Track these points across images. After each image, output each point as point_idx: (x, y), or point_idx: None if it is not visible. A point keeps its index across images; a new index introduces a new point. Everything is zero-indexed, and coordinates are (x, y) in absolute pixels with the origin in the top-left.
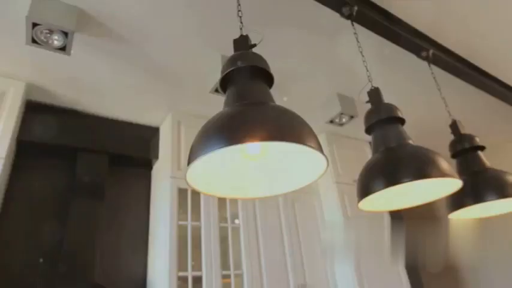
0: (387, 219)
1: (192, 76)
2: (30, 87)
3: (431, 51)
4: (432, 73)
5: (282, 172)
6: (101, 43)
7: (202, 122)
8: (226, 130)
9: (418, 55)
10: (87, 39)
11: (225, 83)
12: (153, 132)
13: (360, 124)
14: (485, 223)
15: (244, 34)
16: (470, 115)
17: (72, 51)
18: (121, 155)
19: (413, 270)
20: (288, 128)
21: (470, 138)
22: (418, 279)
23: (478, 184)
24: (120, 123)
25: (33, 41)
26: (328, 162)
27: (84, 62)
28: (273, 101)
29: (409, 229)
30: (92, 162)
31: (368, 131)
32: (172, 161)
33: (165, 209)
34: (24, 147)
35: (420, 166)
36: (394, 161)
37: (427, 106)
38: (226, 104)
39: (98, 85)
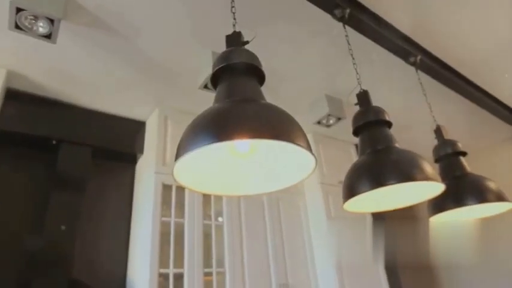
0: (369, 220)
1: (181, 71)
2: (11, 75)
3: (419, 57)
4: (419, 78)
5: (271, 170)
6: (89, 33)
7: (190, 118)
8: (216, 126)
9: (406, 60)
10: (75, 28)
11: (216, 79)
12: (138, 127)
13: (346, 126)
14: (461, 224)
15: (237, 31)
16: (453, 121)
17: (58, 40)
18: (105, 148)
19: (392, 269)
20: (278, 126)
21: (453, 143)
22: (396, 278)
23: (459, 189)
24: (105, 116)
25: (17, 26)
26: (316, 162)
27: (70, 51)
28: (263, 98)
29: (389, 229)
30: (74, 154)
31: (355, 132)
32: (158, 156)
33: (148, 205)
34: (3, 137)
35: (405, 169)
36: (380, 164)
37: (413, 110)
38: (217, 100)
39: (83, 76)
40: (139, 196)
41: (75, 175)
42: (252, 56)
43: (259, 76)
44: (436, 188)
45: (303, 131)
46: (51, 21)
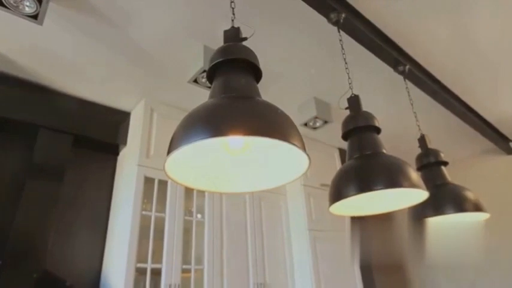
0: (348, 222)
1: (171, 64)
2: None
3: (407, 67)
4: (407, 87)
5: (263, 169)
6: (78, 17)
7: (177, 112)
8: (210, 122)
9: (395, 69)
10: (63, 11)
11: (212, 73)
12: (123, 117)
13: (332, 130)
14: (434, 227)
15: (236, 26)
16: (435, 131)
17: (44, 22)
18: (86, 136)
19: (367, 269)
20: (273, 124)
21: (436, 153)
22: (370, 278)
23: (439, 197)
24: (88, 103)
25: (1, 4)
26: (310, 162)
27: (57, 34)
28: (260, 96)
29: (365, 230)
30: (53, 141)
31: (345, 136)
32: (141, 148)
33: (128, 197)
34: None
35: (392, 176)
36: (368, 169)
37: (399, 118)
38: (212, 95)
39: (68, 61)
40: (120, 188)
41: (53, 163)
42: (250, 52)
43: (256, 73)
44: (420, 195)
45: (298, 131)
46: (39, 1)
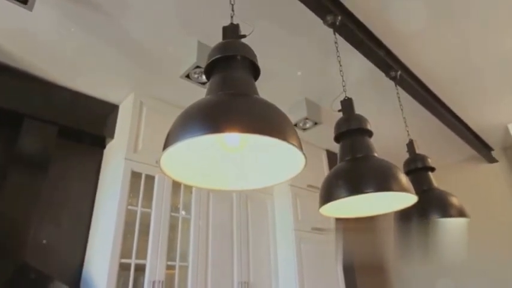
0: (333, 223)
1: (163, 58)
2: None
3: (399, 73)
4: (397, 93)
5: (259, 167)
6: (70, 4)
7: (167, 107)
8: (207, 118)
9: (387, 74)
10: None
11: (210, 70)
12: (111, 110)
13: (321, 131)
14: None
15: (235, 23)
16: (423, 136)
17: (35, 7)
18: (72, 128)
19: (349, 270)
20: (271, 122)
21: (423, 158)
22: (352, 278)
23: (425, 202)
24: (76, 94)
25: None
26: (306, 162)
27: (46, 21)
28: (257, 94)
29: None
30: (38, 131)
31: (337, 138)
32: (129, 142)
33: (114, 191)
34: None
35: (383, 179)
36: (359, 171)
37: (389, 123)
38: (210, 91)
39: (57, 49)
40: (106, 181)
41: (37, 153)
42: (249, 49)
43: (254, 71)
44: (409, 199)
45: (295, 130)
46: None
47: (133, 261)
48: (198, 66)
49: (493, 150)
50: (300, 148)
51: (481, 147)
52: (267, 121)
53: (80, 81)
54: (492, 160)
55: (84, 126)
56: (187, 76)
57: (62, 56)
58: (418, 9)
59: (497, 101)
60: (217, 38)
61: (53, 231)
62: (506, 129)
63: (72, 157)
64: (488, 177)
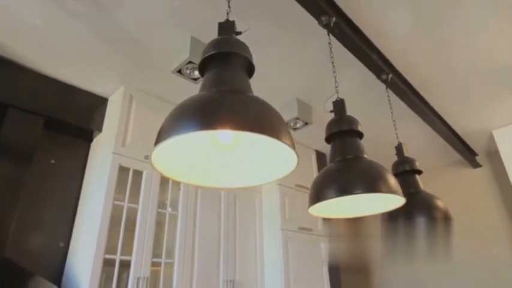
0: (320, 223)
1: (155, 51)
2: None
3: (390, 76)
4: (388, 96)
5: (250, 165)
6: None
7: (157, 102)
8: (200, 114)
9: (379, 77)
10: None
11: (204, 65)
12: (99, 103)
13: (311, 132)
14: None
15: (231, 20)
16: (411, 139)
17: None
18: (59, 120)
19: (335, 270)
20: (264, 121)
21: (411, 161)
22: (337, 278)
23: (411, 205)
24: (63, 85)
25: None
26: (298, 161)
27: (35, 7)
28: (251, 91)
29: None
30: (23, 122)
31: (328, 139)
32: (117, 136)
33: (101, 186)
34: None
35: (372, 181)
36: (348, 173)
37: (379, 125)
38: (204, 87)
39: (45, 37)
40: (92, 175)
41: (21, 145)
42: (245, 47)
43: (249, 68)
44: (397, 200)
45: (288, 129)
46: None
47: (118, 257)
48: (190, 62)
49: (477, 155)
50: (293, 147)
51: (466, 152)
52: (261, 119)
53: (68, 72)
54: (476, 165)
55: (72, 118)
56: (179, 71)
57: (50, 45)
58: (408, 15)
59: (483, 108)
60: (211, 35)
61: (36, 224)
62: (491, 135)
63: (58, 149)
64: (472, 181)
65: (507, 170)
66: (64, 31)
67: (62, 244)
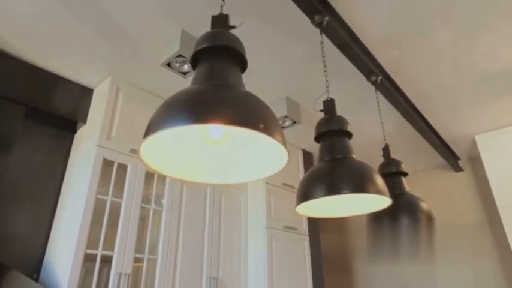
0: (305, 222)
1: (145, 43)
2: None
3: (380, 77)
4: (377, 98)
5: (240, 161)
6: None
7: (144, 95)
8: (192, 107)
9: (368, 78)
10: None
11: (196, 59)
12: (84, 93)
13: (299, 131)
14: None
15: (225, 13)
16: (397, 141)
17: None
18: (41, 109)
19: (317, 269)
20: (256, 116)
21: (397, 163)
22: (320, 277)
23: (396, 206)
24: (47, 74)
25: None
26: (289, 158)
27: None
28: (243, 86)
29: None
30: (3, 110)
31: (317, 138)
32: (102, 128)
33: (84, 179)
34: None
35: (359, 181)
36: (337, 172)
37: (366, 126)
38: (195, 81)
39: (29, 24)
40: (75, 168)
41: (1, 134)
42: (238, 41)
43: (242, 63)
44: (384, 201)
45: (280, 125)
46: None
47: (99, 252)
48: (180, 55)
49: (459, 159)
50: (284, 144)
51: (449, 156)
52: (253, 115)
53: (53, 61)
54: (458, 169)
55: (55, 109)
56: (169, 65)
57: (34, 30)
58: (399, 18)
59: (467, 113)
60: (202, 28)
61: (14, 217)
62: (474, 140)
63: (40, 140)
64: (454, 185)
65: (487, 175)
66: (50, 19)
67: (41, 238)
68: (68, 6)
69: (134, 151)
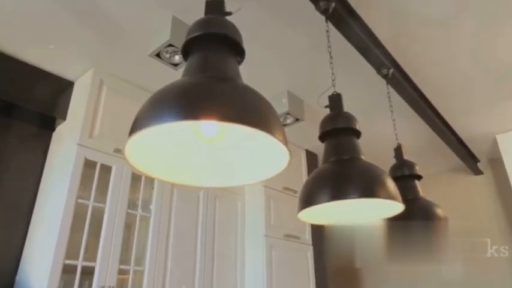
0: (308, 230)
1: (131, 31)
2: None
3: (391, 70)
4: (388, 92)
5: (236, 162)
6: None
7: (131, 88)
8: (182, 102)
9: (379, 71)
10: None
11: (188, 48)
12: (64, 86)
13: (302, 129)
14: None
15: None
16: (410, 141)
17: None
18: (16, 105)
19: (323, 282)
20: (255, 112)
21: (411, 165)
22: (324, 279)
23: (409, 212)
24: (23, 65)
25: None
26: (290, 159)
27: None
28: (241, 79)
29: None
30: None
31: (322, 137)
32: (84, 125)
33: (63, 181)
34: None
35: (369, 184)
36: (343, 175)
37: (377, 124)
38: (187, 72)
39: (3, 10)
40: (53, 169)
41: None
42: (234, 29)
43: (239, 53)
44: (396, 207)
45: (281, 122)
46: None
47: (80, 263)
48: (170, 45)
49: (479, 161)
50: (285, 143)
51: (468, 157)
52: (251, 110)
53: (29, 50)
54: (478, 172)
55: (31, 103)
56: (158, 55)
57: (8, 19)
58: (415, 10)
59: (487, 111)
60: (195, 15)
61: None
62: (495, 140)
63: (14, 139)
64: (472, 189)
65: (510, 178)
66: (24, 3)
67: (15, 247)
68: None
69: (119, 151)
